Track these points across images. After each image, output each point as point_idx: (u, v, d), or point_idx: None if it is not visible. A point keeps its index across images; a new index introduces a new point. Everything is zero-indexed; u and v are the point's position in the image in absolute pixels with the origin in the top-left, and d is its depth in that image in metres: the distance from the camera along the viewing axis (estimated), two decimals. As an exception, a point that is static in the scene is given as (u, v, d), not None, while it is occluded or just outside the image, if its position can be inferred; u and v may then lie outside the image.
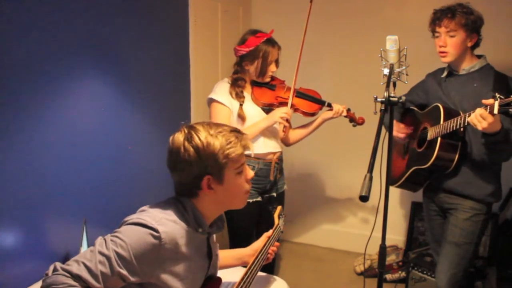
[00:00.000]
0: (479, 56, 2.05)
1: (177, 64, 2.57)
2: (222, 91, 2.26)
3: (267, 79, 2.30)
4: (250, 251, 1.68)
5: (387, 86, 1.59)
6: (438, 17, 2.00)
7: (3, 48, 1.52)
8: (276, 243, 1.76)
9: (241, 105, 2.24)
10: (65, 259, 1.82)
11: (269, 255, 1.70)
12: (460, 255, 2.05)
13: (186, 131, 1.26)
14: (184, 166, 1.25)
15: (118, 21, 2.06)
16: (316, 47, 3.15)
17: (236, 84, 2.27)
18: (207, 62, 2.84)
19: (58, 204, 1.79)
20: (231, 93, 2.25)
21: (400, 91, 1.64)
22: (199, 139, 1.23)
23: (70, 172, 1.83)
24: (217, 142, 1.24)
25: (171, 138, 1.28)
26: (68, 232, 1.83)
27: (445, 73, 2.11)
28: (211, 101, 2.26)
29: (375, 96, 1.59)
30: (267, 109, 2.31)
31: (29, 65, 1.63)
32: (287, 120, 2.22)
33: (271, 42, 2.24)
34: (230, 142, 1.25)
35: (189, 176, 1.26)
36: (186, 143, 1.23)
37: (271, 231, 1.74)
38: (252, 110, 2.27)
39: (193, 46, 2.64)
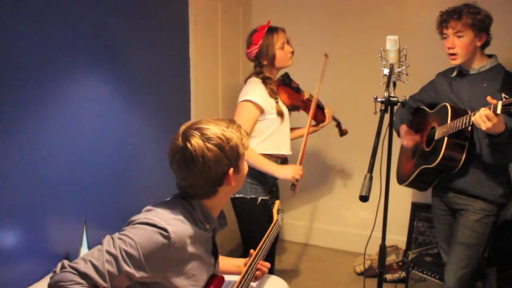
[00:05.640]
0: (490, 56, 2.01)
1: (177, 64, 2.57)
2: (259, 92, 2.24)
3: (290, 62, 2.33)
4: (246, 261, 1.64)
5: (387, 86, 1.59)
6: (444, 19, 1.98)
7: (3, 48, 1.52)
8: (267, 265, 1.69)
9: (277, 102, 2.27)
10: (65, 259, 1.82)
11: (257, 272, 1.64)
12: (470, 256, 2.05)
13: (198, 133, 1.24)
14: (207, 166, 1.23)
15: (118, 21, 2.06)
16: (316, 46, 3.15)
17: (267, 83, 2.28)
18: (207, 62, 2.83)
19: (58, 204, 1.79)
20: (268, 93, 2.25)
21: (400, 91, 1.64)
22: (218, 136, 1.25)
23: (70, 172, 1.83)
24: (233, 134, 1.27)
25: (187, 145, 1.23)
26: (68, 232, 1.83)
27: (455, 73, 2.08)
28: (244, 100, 2.23)
29: (375, 96, 1.60)
30: (291, 108, 2.38)
31: (29, 65, 1.62)
32: (297, 180, 2.25)
33: (274, 29, 2.28)
34: (240, 132, 1.30)
35: (212, 175, 1.26)
36: (208, 144, 1.23)
37: (253, 251, 1.64)
38: (283, 108, 2.32)
39: (193, 46, 2.64)
